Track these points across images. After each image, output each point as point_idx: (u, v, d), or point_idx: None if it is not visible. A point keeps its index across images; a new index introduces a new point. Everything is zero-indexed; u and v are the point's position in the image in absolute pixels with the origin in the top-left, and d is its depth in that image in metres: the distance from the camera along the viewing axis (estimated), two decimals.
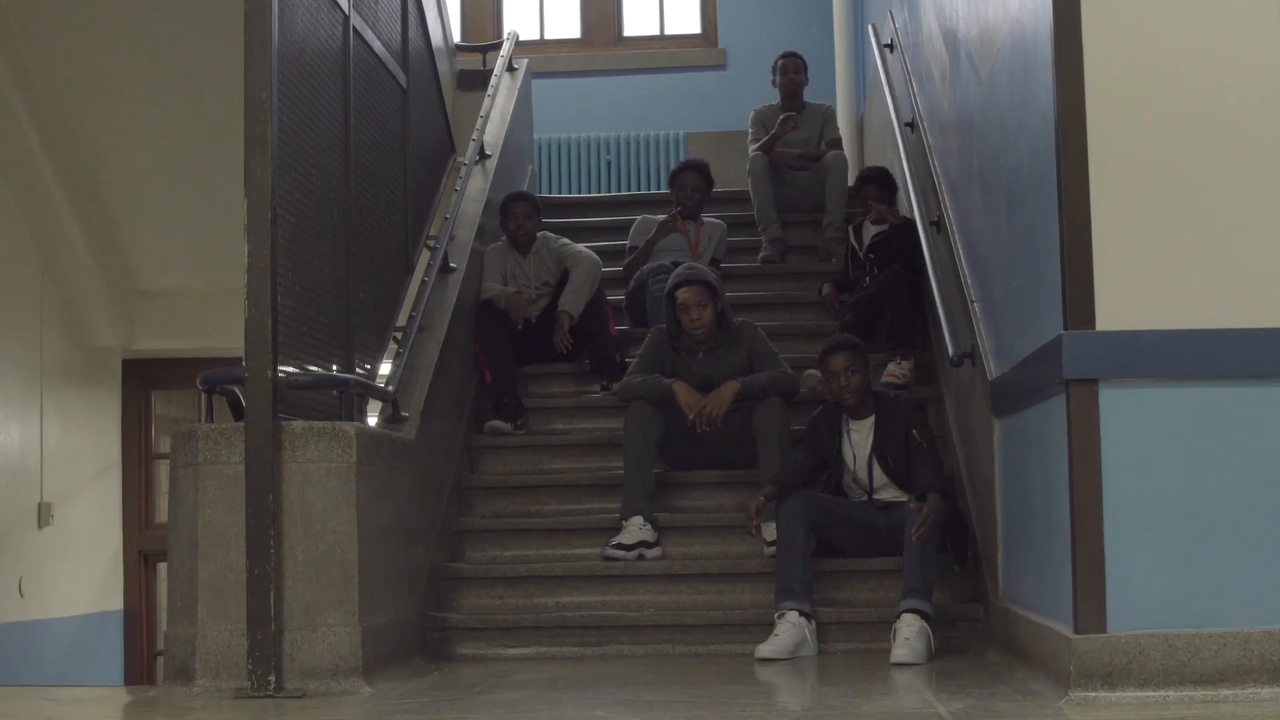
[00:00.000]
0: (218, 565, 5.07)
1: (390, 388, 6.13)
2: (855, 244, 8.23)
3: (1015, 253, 5.42)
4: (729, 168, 9.68)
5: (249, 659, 4.91)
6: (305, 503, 5.09)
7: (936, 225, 7.25)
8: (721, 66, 12.30)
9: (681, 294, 6.88)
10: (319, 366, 5.58)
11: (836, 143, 9.40)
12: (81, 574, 10.01)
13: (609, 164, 12.05)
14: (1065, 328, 4.49)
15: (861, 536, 6.31)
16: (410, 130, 7.33)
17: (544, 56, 12.11)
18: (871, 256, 8.09)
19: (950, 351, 6.32)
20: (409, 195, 7.26)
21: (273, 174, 5.05)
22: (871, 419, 6.34)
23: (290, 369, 5.24)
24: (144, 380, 10.64)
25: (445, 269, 7.36)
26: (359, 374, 5.92)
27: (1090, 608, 4.39)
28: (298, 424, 5.13)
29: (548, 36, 12.71)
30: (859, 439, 6.35)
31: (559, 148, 12.09)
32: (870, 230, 8.18)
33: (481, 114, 8.62)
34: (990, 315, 6.04)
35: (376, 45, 6.70)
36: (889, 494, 6.31)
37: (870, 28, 10.00)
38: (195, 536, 5.09)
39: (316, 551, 5.10)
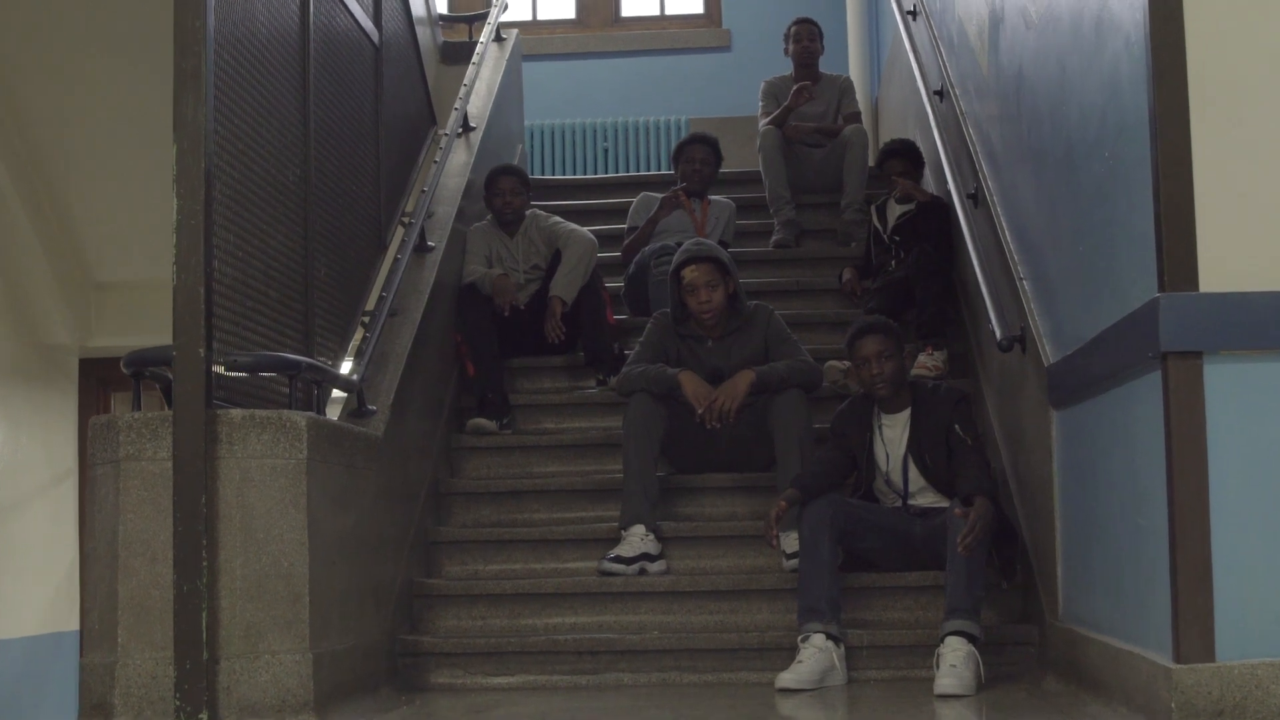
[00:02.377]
0: (140, 581, 4.29)
1: (354, 376, 5.34)
2: (878, 225, 7.52)
3: (1080, 214, 4.67)
4: (735, 155, 9.01)
5: (177, 692, 4.12)
6: (245, 506, 4.32)
7: (974, 199, 6.49)
8: (726, 48, 11.71)
9: (688, 273, 6.14)
10: (269, 350, 4.80)
11: (855, 117, 8.67)
12: (32, 591, 9.21)
13: (606, 151, 11.45)
14: (1161, 289, 3.71)
15: (896, 547, 5.59)
16: (384, 92, 6.57)
17: (537, 38, 11.57)
18: (897, 238, 7.39)
19: (998, 335, 5.56)
20: (382, 164, 6.51)
21: (208, 115, 4.26)
22: (907, 413, 5.62)
23: (231, 350, 4.45)
24: (103, 381, 9.82)
25: (422, 248, 6.63)
26: (319, 361, 5.12)
27: (1195, 632, 3.65)
28: (236, 413, 4.34)
29: (540, 17, 12.11)
30: (893, 435, 5.62)
31: (553, 134, 11.51)
32: (895, 209, 7.49)
33: (465, 82, 7.85)
34: (1044, 293, 5.32)
35: None
36: (927, 498, 5.60)
37: None
38: (115, 547, 4.31)
39: (259, 564, 4.33)
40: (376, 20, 6.54)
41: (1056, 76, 4.95)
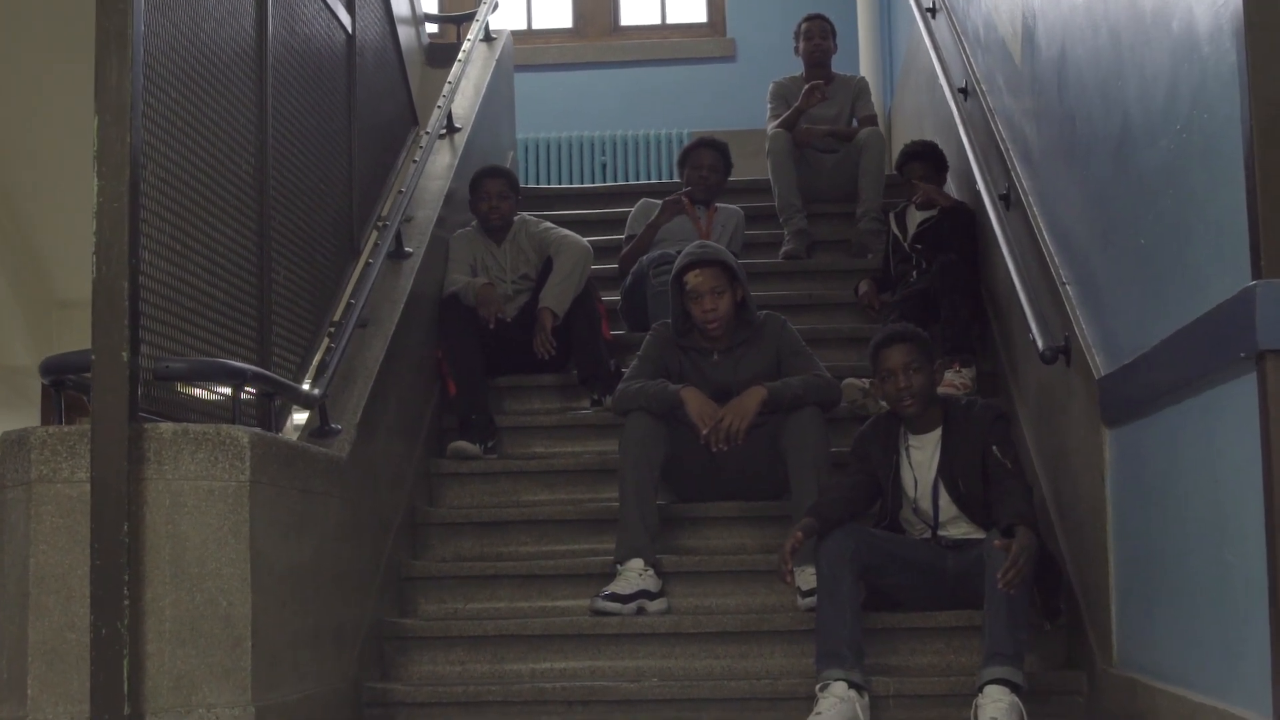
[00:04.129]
0: (54, 623, 3.70)
1: (315, 390, 4.75)
2: (898, 233, 7.00)
3: (1138, 205, 4.11)
4: (742, 168, 8.46)
5: None
6: (176, 535, 3.74)
7: (1005, 201, 5.94)
8: (730, 58, 11.31)
9: (691, 278, 5.60)
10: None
11: (871, 120, 8.14)
12: None
13: (604, 166, 11.05)
14: (1257, 276, 3.11)
15: (925, 583, 5.03)
16: (357, 84, 6.00)
17: (532, 48, 11.23)
18: (918, 247, 6.85)
19: (1040, 346, 4.98)
20: (356, 162, 5.96)
21: (135, 83, 3.67)
22: (938, 433, 5.06)
23: (165, 356, 3.87)
24: (70, 405, 9.29)
25: (398, 254, 6.08)
26: (274, 374, 4.52)
27: None
28: (166, 427, 3.75)
29: (536, 26, 11.71)
30: (922, 458, 5.06)
31: (548, 148, 11.13)
32: (916, 216, 6.97)
33: (450, 79, 7.30)
34: (1092, 299, 4.77)
35: None
36: (960, 529, 5.03)
37: None
38: (25, 583, 3.72)
39: (192, 603, 3.75)
40: (349, 6, 5.97)
41: (1109, 50, 4.39)
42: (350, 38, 5.96)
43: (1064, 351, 4.95)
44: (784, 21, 10.26)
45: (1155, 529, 4.05)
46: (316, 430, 4.86)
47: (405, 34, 7.73)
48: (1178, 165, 3.72)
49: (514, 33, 10.65)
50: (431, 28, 9.21)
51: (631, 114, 11.15)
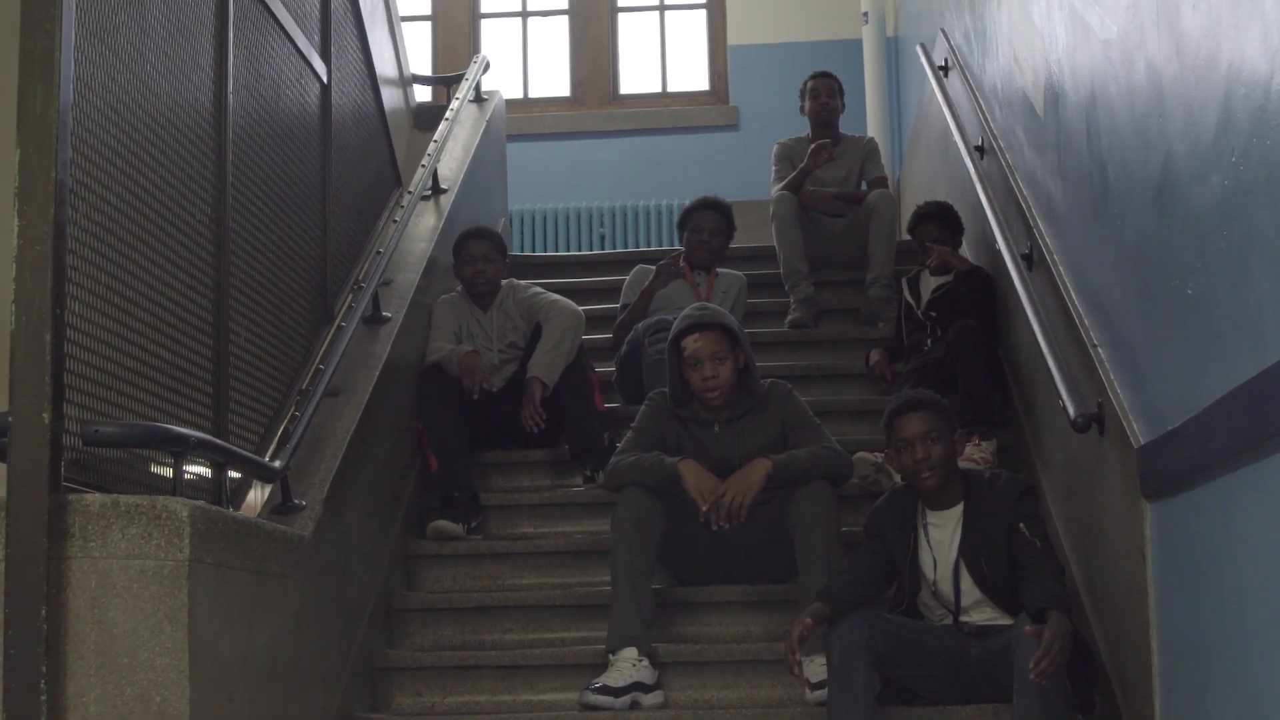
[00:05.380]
0: None
1: (276, 462, 4.33)
2: (910, 300, 6.66)
3: (1185, 252, 3.70)
4: (745, 237, 8.13)
5: None
6: (104, 621, 3.30)
7: (1028, 260, 5.57)
8: (733, 127, 11.01)
9: (690, 343, 5.22)
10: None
11: (881, 182, 7.78)
12: None
13: (602, 238, 10.72)
14: None
15: (947, 674, 4.62)
16: (332, 136, 5.63)
17: (529, 116, 10.97)
18: (933, 314, 6.52)
19: (1072, 414, 4.57)
20: (331, 221, 5.58)
21: (62, 112, 3.27)
22: (959, 509, 4.69)
23: (96, 419, 3.46)
24: None
25: (375, 319, 5.71)
26: (225, 443, 4.10)
27: None
28: (94, 498, 3.32)
29: (533, 94, 11.42)
30: (941, 537, 4.68)
31: (544, 219, 10.80)
32: (930, 282, 6.64)
33: (435, 138, 6.93)
34: (1128, 361, 4.37)
35: (279, 10, 4.99)
36: (983, 614, 4.64)
37: (919, 49, 8.38)
38: None
39: (121, 699, 3.31)
40: (325, 55, 5.62)
41: (1147, 87, 4.01)
42: (325, 88, 5.61)
43: (1097, 419, 4.54)
44: (789, 89, 9.98)
45: (1206, 614, 3.61)
46: (278, 507, 4.45)
47: (392, 94, 7.40)
48: (1233, 202, 3.32)
49: (511, 101, 10.50)
50: (424, 93, 8.88)
51: (631, 184, 10.85)
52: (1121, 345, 4.44)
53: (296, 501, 4.47)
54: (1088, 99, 4.76)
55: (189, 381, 4.09)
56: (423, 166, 6.65)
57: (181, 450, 3.62)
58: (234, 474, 4.35)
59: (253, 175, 4.68)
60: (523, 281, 6.48)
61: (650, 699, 4.94)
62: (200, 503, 3.52)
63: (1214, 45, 3.40)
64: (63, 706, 3.24)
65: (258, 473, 4.25)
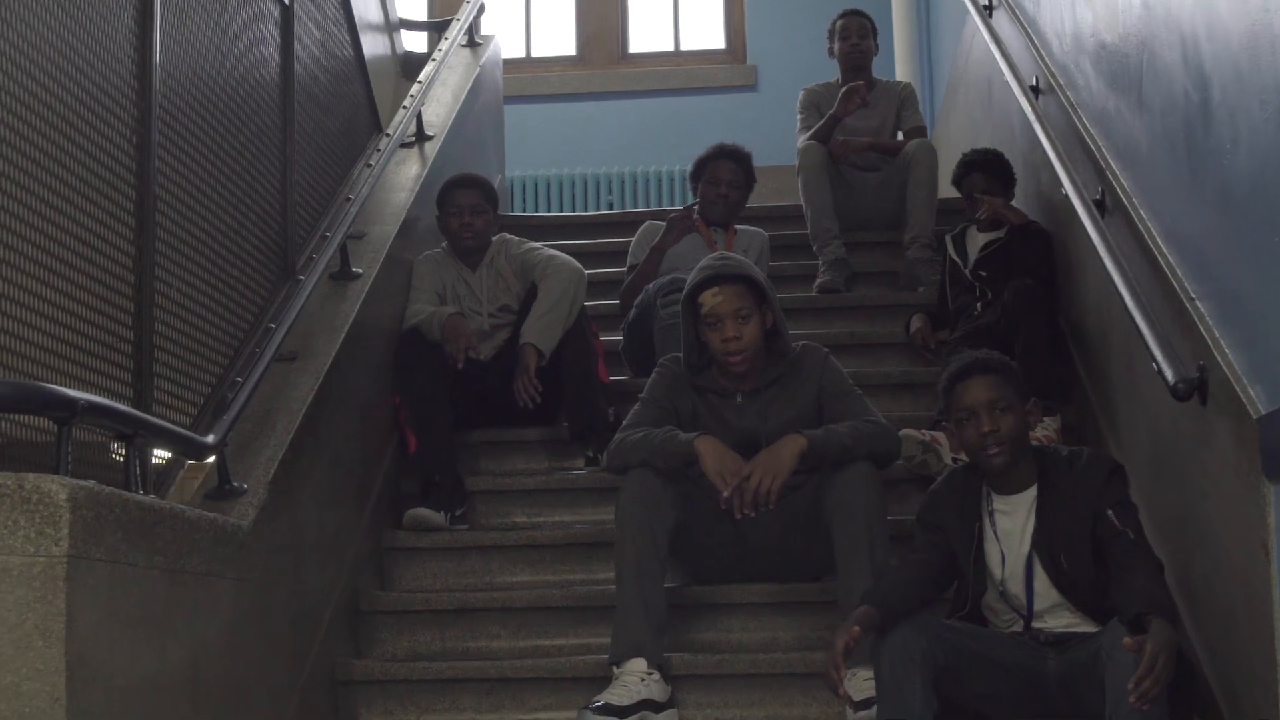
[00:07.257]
0: None
1: (210, 437, 3.61)
2: (957, 259, 6.06)
3: None
4: (764, 202, 7.74)
5: None
6: None
7: (1100, 206, 4.92)
8: (751, 87, 10.61)
9: (708, 299, 4.57)
10: None
11: (919, 131, 7.14)
12: None
13: (610, 205, 10.24)
14: None
15: (1018, 692, 3.99)
16: (295, 69, 4.95)
17: (532, 76, 10.58)
18: (982, 274, 5.88)
19: (1170, 379, 3.91)
20: (292, 163, 4.91)
21: None
22: (1031, 493, 4.04)
23: None
24: None
25: (343, 274, 5.04)
26: (153, 418, 3.39)
27: None
28: None
29: (536, 54, 10.99)
30: (1011, 526, 4.04)
31: (548, 185, 10.40)
32: (979, 238, 5.98)
33: (420, 79, 6.27)
34: (1237, 316, 3.74)
35: None
36: (1061, 620, 4.01)
37: None
38: None
39: None
40: None
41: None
42: (286, 9, 4.92)
43: (1199, 386, 3.85)
44: (811, 46, 9.57)
45: None
46: (213, 491, 3.75)
47: (375, 37, 6.77)
48: None
49: (512, 61, 10.24)
50: (416, 40, 8.24)
51: (641, 150, 10.43)
52: (1228, 297, 3.82)
53: (235, 484, 3.78)
54: (1179, 7, 4.07)
55: (101, 339, 3.40)
56: (404, 108, 5.98)
57: (68, 416, 2.88)
58: (162, 453, 3.68)
59: (187, 101, 4.00)
60: (515, 238, 5.81)
61: (661, 719, 4.33)
62: (89, 483, 2.79)
63: None
64: None
65: (182, 448, 3.55)
